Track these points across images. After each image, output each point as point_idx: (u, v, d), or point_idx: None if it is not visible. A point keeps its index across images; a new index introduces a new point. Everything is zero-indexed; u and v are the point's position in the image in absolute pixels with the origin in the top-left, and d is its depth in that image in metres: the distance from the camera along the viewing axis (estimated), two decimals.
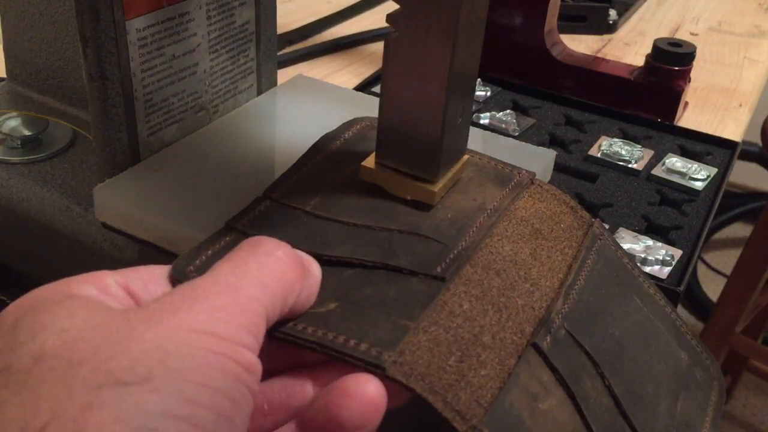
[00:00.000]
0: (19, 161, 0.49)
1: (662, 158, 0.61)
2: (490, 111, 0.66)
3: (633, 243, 0.50)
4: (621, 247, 0.37)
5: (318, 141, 0.39)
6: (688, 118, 0.74)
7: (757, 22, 1.00)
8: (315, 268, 0.29)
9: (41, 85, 0.55)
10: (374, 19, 0.92)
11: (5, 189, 0.48)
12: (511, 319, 0.29)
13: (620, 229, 0.52)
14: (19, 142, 0.50)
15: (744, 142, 0.72)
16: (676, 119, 0.71)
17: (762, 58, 0.89)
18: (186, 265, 0.29)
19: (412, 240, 0.32)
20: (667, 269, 0.49)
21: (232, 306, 0.23)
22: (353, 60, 0.82)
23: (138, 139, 0.42)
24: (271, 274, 0.25)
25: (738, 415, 1.62)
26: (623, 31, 0.94)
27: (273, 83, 0.52)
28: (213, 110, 0.47)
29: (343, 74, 0.78)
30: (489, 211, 0.35)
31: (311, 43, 0.84)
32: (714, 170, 0.60)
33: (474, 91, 0.36)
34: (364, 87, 0.71)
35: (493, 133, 0.49)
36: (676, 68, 0.69)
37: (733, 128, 0.73)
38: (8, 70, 0.57)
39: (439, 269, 0.31)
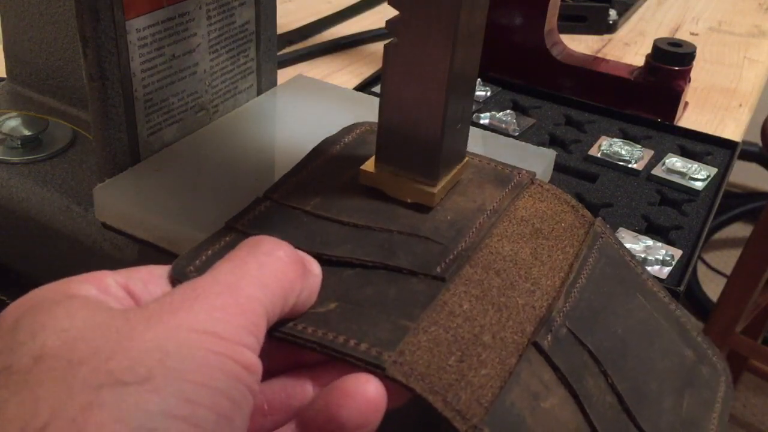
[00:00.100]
0: (19, 161, 0.49)
1: (662, 158, 0.61)
2: (490, 111, 0.66)
3: (633, 243, 0.50)
4: (623, 245, 0.37)
5: (318, 145, 0.39)
6: (688, 118, 0.74)
7: (757, 22, 1.00)
8: (315, 268, 0.29)
9: (41, 85, 0.55)
10: (374, 19, 0.92)
11: (5, 189, 0.48)
12: (512, 318, 0.29)
13: (620, 229, 0.52)
14: (19, 142, 0.50)
15: (744, 142, 0.72)
16: (676, 119, 0.71)
17: (762, 58, 0.89)
18: (186, 265, 0.29)
19: (412, 241, 0.32)
20: (667, 269, 0.49)
21: (232, 306, 0.23)
22: (353, 60, 0.82)
23: (138, 139, 0.42)
24: (271, 273, 0.25)
25: (738, 415, 1.62)
26: (623, 31, 0.94)
27: (273, 83, 0.52)
28: (213, 110, 0.47)
29: (343, 74, 0.78)
30: (489, 211, 0.35)
31: (311, 43, 0.84)
32: (714, 170, 0.60)
33: (474, 93, 0.36)
34: (364, 87, 0.71)
35: (493, 133, 0.49)
36: (676, 68, 0.69)
37: (733, 128, 0.73)
38: (8, 70, 0.57)
39: (438, 269, 0.31)
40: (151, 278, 0.26)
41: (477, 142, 0.45)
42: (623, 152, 0.61)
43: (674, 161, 0.60)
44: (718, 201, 0.57)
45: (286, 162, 0.37)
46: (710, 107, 0.77)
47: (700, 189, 0.58)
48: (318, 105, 0.50)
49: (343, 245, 0.32)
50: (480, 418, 0.25)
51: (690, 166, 0.60)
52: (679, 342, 0.34)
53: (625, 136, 0.65)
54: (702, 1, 1.05)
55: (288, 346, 0.27)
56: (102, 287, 0.24)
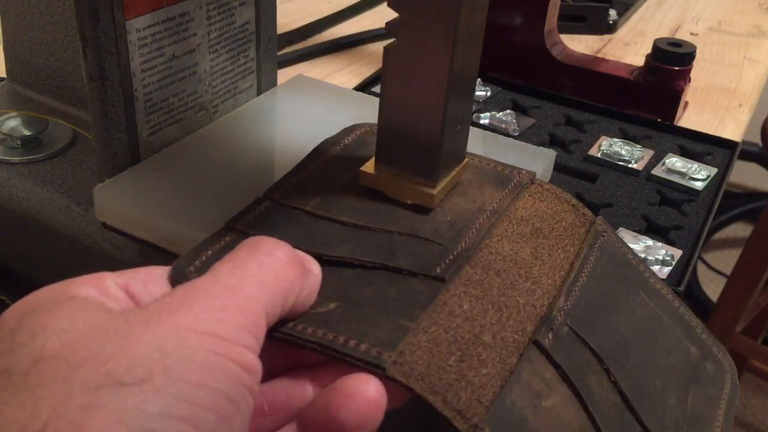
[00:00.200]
0: (19, 161, 0.49)
1: (662, 158, 0.61)
2: (490, 111, 0.66)
3: (633, 243, 0.50)
4: (625, 244, 0.37)
5: (318, 146, 0.39)
6: (688, 118, 0.74)
7: (757, 22, 1.00)
8: (315, 268, 0.29)
9: (41, 85, 0.55)
10: (374, 19, 0.92)
11: (5, 189, 0.48)
12: (512, 318, 0.29)
13: (620, 229, 0.52)
14: (19, 142, 0.50)
15: (744, 142, 0.72)
16: (676, 119, 0.71)
17: (762, 58, 0.89)
18: (186, 265, 0.29)
19: (412, 242, 0.32)
20: (667, 269, 0.49)
21: (232, 306, 0.23)
22: (353, 60, 0.82)
23: (138, 139, 0.42)
24: (270, 274, 0.25)
25: (738, 415, 1.62)
26: (623, 31, 0.94)
27: (273, 83, 0.52)
28: (213, 110, 0.47)
29: (343, 74, 0.78)
30: (489, 212, 0.35)
31: (311, 43, 0.84)
32: (714, 170, 0.60)
33: (473, 94, 0.36)
34: (364, 87, 0.71)
35: (493, 133, 0.49)
36: (676, 68, 0.69)
37: (733, 128, 0.73)
38: (8, 70, 0.57)
39: (438, 270, 0.31)
40: (151, 279, 0.26)
41: (477, 142, 0.45)
42: (623, 152, 0.61)
43: (674, 161, 0.60)
44: (718, 201, 0.57)
45: (286, 162, 0.37)
46: (710, 107, 0.77)
47: (700, 189, 0.58)
48: (318, 105, 0.50)
49: (343, 246, 0.32)
50: (480, 418, 0.25)
51: (690, 166, 0.60)
52: (684, 339, 0.34)
53: (625, 136, 0.65)
54: (702, 1, 1.05)
55: (288, 346, 0.27)
56: (102, 289, 0.24)
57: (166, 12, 0.41)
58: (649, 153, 0.62)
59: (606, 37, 0.92)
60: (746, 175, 2.02)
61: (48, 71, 0.54)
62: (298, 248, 0.31)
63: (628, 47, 0.89)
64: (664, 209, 0.56)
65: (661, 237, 0.52)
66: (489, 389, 0.26)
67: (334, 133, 0.40)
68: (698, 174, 0.59)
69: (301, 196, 0.35)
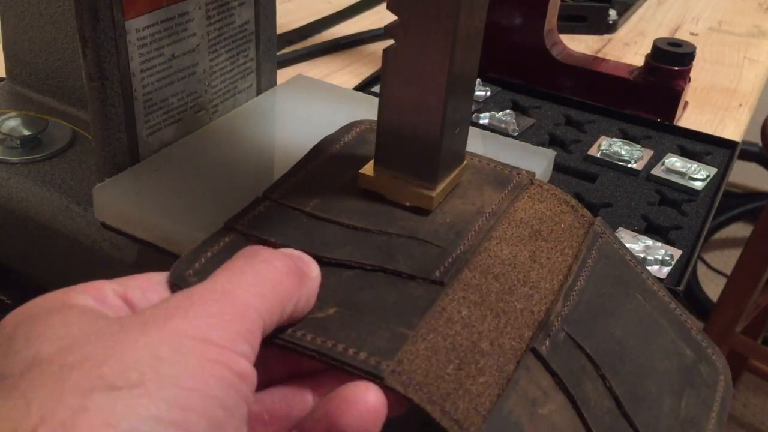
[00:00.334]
0: (19, 161, 0.49)
1: (662, 158, 0.61)
2: (489, 111, 0.66)
3: (632, 243, 0.50)
4: (623, 245, 0.37)
5: (318, 144, 0.39)
6: (688, 118, 0.74)
7: (757, 22, 1.00)
8: (314, 270, 0.29)
9: (41, 85, 0.55)
10: (374, 19, 0.92)
11: (5, 189, 0.48)
12: (510, 324, 0.29)
13: (620, 229, 0.52)
14: (18, 142, 0.50)
15: (744, 142, 0.72)
16: (675, 119, 0.71)
17: (762, 58, 0.89)
18: (185, 269, 0.29)
19: (411, 244, 0.32)
20: (667, 269, 0.49)
21: (228, 313, 0.23)
22: (353, 60, 0.82)
23: (137, 139, 0.42)
24: (268, 283, 0.25)
25: (738, 415, 1.62)
26: (623, 31, 0.94)
27: (272, 83, 0.52)
28: (212, 110, 0.47)
29: (342, 74, 0.78)
30: (488, 214, 0.35)
31: (311, 43, 0.84)
32: (714, 170, 0.60)
33: (473, 96, 0.36)
34: (363, 87, 0.71)
35: (493, 133, 0.49)
36: (676, 68, 0.69)
37: (732, 128, 0.73)
38: (8, 70, 0.57)
39: (437, 273, 0.30)
40: (149, 286, 0.26)
41: (476, 142, 0.45)
42: (623, 152, 0.61)
43: (674, 161, 0.60)
44: (718, 201, 0.57)
45: (285, 162, 0.37)
46: (710, 107, 0.77)
47: (700, 189, 0.58)
48: (318, 105, 0.50)
49: (342, 247, 0.32)
50: (477, 427, 0.25)
51: (690, 166, 0.60)
52: (679, 341, 0.34)
53: (625, 136, 0.65)
54: (702, 1, 1.05)
55: (287, 354, 0.27)
56: (99, 297, 0.24)
57: (166, 12, 0.41)
58: (648, 153, 0.62)
59: (606, 37, 0.92)
60: (746, 175, 2.02)
61: (48, 71, 0.54)
62: (297, 249, 0.31)
63: (628, 47, 0.89)
64: (664, 209, 0.56)
65: (661, 237, 0.52)
66: (486, 398, 0.26)
67: None
68: (698, 174, 0.59)
69: (300, 197, 0.35)
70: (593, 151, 0.62)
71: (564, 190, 0.38)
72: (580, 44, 0.88)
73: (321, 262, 0.30)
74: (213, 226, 0.32)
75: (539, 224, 0.35)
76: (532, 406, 0.27)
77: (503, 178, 0.37)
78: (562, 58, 0.74)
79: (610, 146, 0.62)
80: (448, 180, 0.35)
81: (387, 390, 0.25)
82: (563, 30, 0.83)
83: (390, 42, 0.32)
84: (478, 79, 0.71)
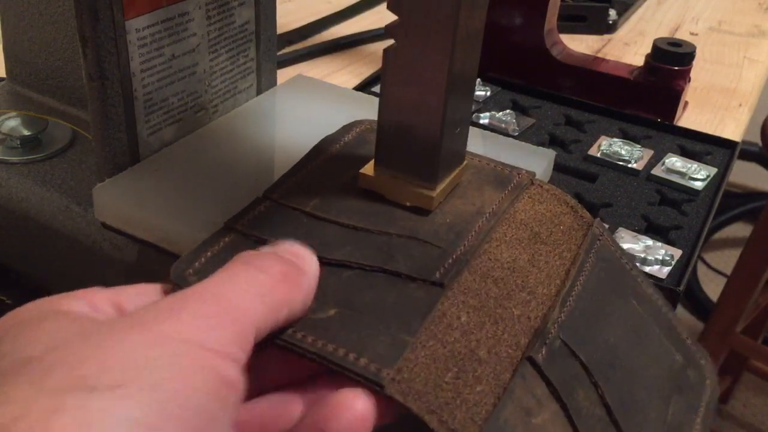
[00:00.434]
0: (19, 161, 0.49)
1: (662, 158, 0.61)
2: (489, 111, 0.66)
3: (633, 243, 0.50)
4: (620, 247, 0.37)
5: (318, 144, 0.39)
6: (688, 118, 0.74)
7: (757, 21, 1.00)
8: (312, 266, 0.28)
9: (41, 85, 0.55)
10: (374, 19, 0.92)
11: (5, 189, 0.48)
12: (507, 331, 0.29)
13: (620, 229, 0.52)
14: (18, 142, 0.50)
15: (744, 142, 0.72)
16: (675, 119, 0.71)
17: (762, 57, 0.89)
18: (185, 268, 0.29)
19: (411, 244, 0.32)
20: (667, 269, 0.49)
21: (220, 316, 0.23)
22: (353, 60, 0.82)
23: (138, 139, 0.42)
24: (263, 287, 0.25)
25: (738, 415, 1.62)
26: (623, 31, 0.94)
27: (273, 83, 0.52)
28: (213, 110, 0.47)
29: (342, 74, 0.78)
30: (488, 214, 0.35)
31: (311, 43, 0.84)
32: (714, 170, 0.60)
33: (473, 96, 0.36)
34: (363, 87, 0.71)
35: (493, 133, 0.49)
36: (676, 68, 0.69)
37: (732, 128, 0.73)
38: (8, 70, 0.57)
39: (438, 275, 0.30)
40: (144, 295, 0.26)
41: (477, 142, 0.45)
42: (623, 152, 0.61)
43: (674, 161, 0.60)
44: (718, 201, 0.57)
45: (285, 162, 0.37)
46: (710, 107, 0.77)
47: (700, 189, 0.58)
48: (318, 105, 0.50)
49: (342, 248, 0.32)
50: None
51: (690, 165, 0.60)
52: (669, 346, 0.34)
53: (625, 136, 0.65)
54: (702, 1, 1.05)
55: (279, 361, 0.27)
56: (92, 304, 0.24)
57: (166, 12, 0.41)
58: (648, 153, 0.62)
59: (606, 37, 0.92)
60: (746, 175, 2.02)
61: (48, 71, 0.54)
62: None
63: (627, 47, 0.89)
64: (664, 209, 0.56)
65: (661, 237, 0.52)
66: (483, 407, 0.26)
67: None
68: (698, 174, 0.59)
69: (300, 197, 0.35)
70: (593, 151, 0.62)
71: (564, 190, 0.38)
72: (580, 44, 0.88)
73: (321, 262, 0.30)
74: (213, 226, 0.32)
75: (539, 226, 0.35)
76: (526, 416, 0.27)
77: (503, 178, 0.37)
78: (562, 58, 0.74)
79: (610, 146, 0.62)
80: (448, 180, 0.35)
81: (386, 398, 0.25)
82: (563, 30, 0.83)
83: (390, 42, 0.32)
84: (478, 79, 0.71)
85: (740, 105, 0.78)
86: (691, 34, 0.94)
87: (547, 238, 0.35)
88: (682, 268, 0.49)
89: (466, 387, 0.27)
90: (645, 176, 0.60)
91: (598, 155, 0.61)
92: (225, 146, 0.45)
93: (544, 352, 0.29)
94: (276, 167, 0.43)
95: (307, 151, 0.38)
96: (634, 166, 0.60)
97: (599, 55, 0.86)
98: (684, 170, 0.59)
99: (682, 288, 0.47)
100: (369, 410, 0.25)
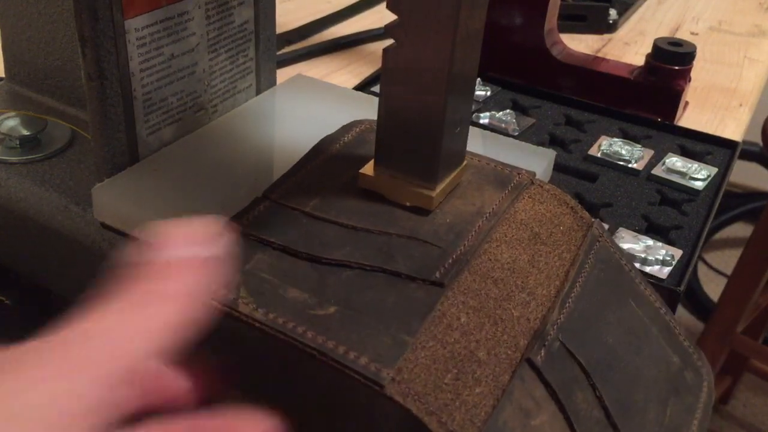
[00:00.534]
0: (18, 161, 0.49)
1: (662, 158, 0.61)
2: (489, 111, 0.66)
3: (633, 243, 0.50)
4: (620, 248, 0.37)
5: (317, 144, 0.39)
6: (688, 118, 0.73)
7: (757, 21, 1.00)
8: (222, 243, 0.25)
9: (40, 85, 0.55)
10: (374, 18, 0.92)
11: (3, 189, 0.48)
12: (507, 332, 0.29)
13: (620, 229, 0.52)
14: (17, 142, 0.50)
15: (744, 142, 0.71)
16: (676, 119, 0.71)
17: (762, 57, 0.89)
18: None
19: (411, 244, 0.32)
20: (667, 269, 0.49)
21: (94, 357, 0.20)
22: (352, 60, 0.81)
23: (137, 139, 0.42)
24: (153, 314, 0.22)
25: (738, 415, 1.62)
26: (623, 31, 0.94)
27: (272, 83, 0.52)
28: (212, 110, 0.47)
29: (342, 74, 0.78)
30: (488, 214, 0.34)
31: (310, 42, 0.84)
32: (714, 170, 0.60)
33: (473, 96, 0.36)
34: (363, 87, 0.71)
35: (493, 133, 0.49)
36: (676, 68, 0.69)
37: (733, 128, 0.73)
38: (7, 70, 0.57)
39: (437, 274, 0.30)
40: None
41: (477, 142, 0.45)
42: (623, 152, 0.61)
43: (674, 161, 0.60)
44: (718, 201, 0.57)
45: (285, 162, 0.37)
46: (710, 107, 0.77)
47: (700, 189, 0.58)
48: (317, 105, 0.50)
49: (341, 248, 0.31)
50: None
51: (690, 165, 0.60)
52: (667, 348, 0.35)
53: (625, 136, 0.65)
54: (702, 1, 1.05)
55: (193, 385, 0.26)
56: None
57: (165, 12, 0.41)
58: (649, 153, 0.62)
59: (606, 36, 0.92)
60: (746, 175, 2.02)
61: (47, 71, 0.54)
62: (297, 249, 0.31)
63: (628, 47, 0.89)
64: (664, 209, 0.56)
65: (662, 237, 0.52)
66: (482, 408, 0.26)
67: None
68: (698, 174, 0.59)
69: (300, 197, 0.35)
70: (593, 151, 0.62)
71: (564, 190, 0.38)
72: (580, 44, 0.88)
73: (321, 262, 0.30)
74: None
75: (539, 226, 0.35)
76: (525, 418, 0.27)
77: (503, 178, 0.37)
78: (562, 57, 0.74)
79: (610, 146, 0.62)
80: (448, 180, 0.35)
81: (386, 398, 0.25)
82: (563, 29, 0.82)
83: (390, 41, 0.32)
84: (478, 79, 0.71)
85: (741, 105, 0.77)
86: (692, 33, 0.94)
87: (547, 239, 0.35)
88: (682, 268, 0.49)
89: (466, 388, 0.27)
90: (645, 176, 0.59)
91: (599, 155, 0.61)
92: (224, 146, 0.45)
93: (543, 353, 0.29)
94: (275, 167, 0.43)
95: (306, 151, 0.38)
96: (635, 166, 0.60)
97: (599, 54, 0.86)
98: (684, 170, 0.59)
99: (682, 288, 0.47)
100: None
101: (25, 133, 0.51)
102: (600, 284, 0.34)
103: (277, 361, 0.29)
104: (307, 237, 0.32)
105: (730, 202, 1.95)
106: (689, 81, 0.71)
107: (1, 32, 0.56)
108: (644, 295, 0.36)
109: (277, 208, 0.34)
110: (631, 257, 0.49)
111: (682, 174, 0.59)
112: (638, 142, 0.63)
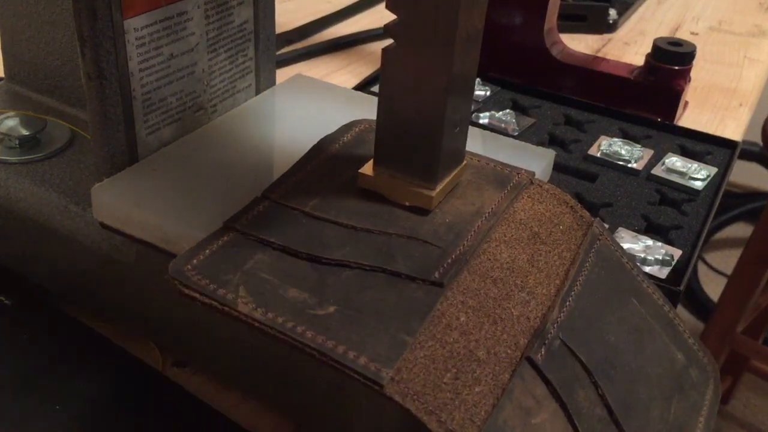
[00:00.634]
0: (17, 161, 0.49)
1: (662, 158, 0.61)
2: (489, 110, 0.66)
3: (633, 243, 0.50)
4: (621, 247, 0.37)
5: (317, 144, 0.39)
6: (688, 118, 0.73)
7: (757, 21, 1.00)
8: None
9: (39, 85, 0.55)
10: (374, 18, 0.92)
11: (3, 189, 0.48)
12: (506, 331, 0.29)
13: (620, 228, 0.52)
14: (17, 142, 0.50)
15: (744, 142, 0.71)
16: (676, 119, 0.71)
17: (762, 57, 0.89)
18: (184, 264, 0.29)
19: (411, 244, 0.32)
20: (667, 269, 0.48)
21: None
22: (352, 60, 0.81)
23: (136, 139, 0.42)
24: None
25: (738, 415, 1.62)
26: (623, 31, 0.94)
27: (272, 83, 0.52)
28: (211, 110, 0.47)
29: (342, 74, 0.78)
30: (487, 214, 0.35)
31: (310, 42, 0.84)
32: (714, 170, 0.60)
33: (472, 96, 0.36)
34: (363, 87, 0.71)
35: (493, 133, 0.49)
36: (676, 68, 0.69)
37: (733, 128, 0.73)
38: (6, 70, 0.57)
39: (437, 274, 0.30)
40: None
41: (476, 142, 0.45)
42: (623, 152, 0.61)
43: (674, 161, 0.60)
44: (718, 201, 0.57)
45: (284, 161, 0.37)
46: (710, 107, 0.77)
47: (700, 189, 0.58)
48: (317, 104, 0.50)
49: (341, 248, 0.31)
50: None
51: (690, 165, 0.60)
52: (671, 345, 0.34)
53: (625, 136, 0.65)
54: (702, 1, 1.05)
55: None
56: None
57: (164, 11, 0.41)
58: (649, 153, 0.62)
59: (606, 36, 0.92)
60: (746, 175, 2.02)
61: (46, 71, 0.54)
62: (297, 249, 0.31)
63: (628, 47, 0.89)
64: (664, 209, 0.56)
65: (661, 237, 0.52)
66: (482, 408, 0.26)
67: None
68: (698, 174, 0.59)
69: (300, 197, 0.35)
70: (593, 151, 0.62)
71: (564, 189, 0.38)
72: (580, 44, 0.88)
73: (320, 261, 0.30)
74: (212, 226, 0.32)
75: (538, 226, 0.35)
76: (526, 416, 0.27)
77: (503, 177, 0.37)
78: (562, 57, 0.74)
79: (610, 146, 0.62)
80: (447, 180, 0.35)
81: (386, 398, 0.25)
82: (563, 29, 0.82)
83: (389, 41, 0.32)
84: (478, 79, 0.71)
85: (740, 105, 0.77)
86: (692, 33, 0.94)
87: (547, 238, 0.35)
88: (682, 268, 0.49)
89: (465, 388, 0.27)
90: (645, 176, 0.59)
91: (598, 155, 0.61)
92: (224, 146, 0.45)
93: (543, 352, 0.29)
94: (275, 167, 0.43)
95: (306, 150, 0.38)
96: (634, 165, 0.60)
97: (599, 54, 0.86)
98: (684, 170, 0.59)
99: (682, 288, 0.47)
100: None
101: (25, 133, 0.51)
102: (601, 282, 0.34)
103: (276, 361, 0.29)
104: (306, 237, 0.32)
105: (730, 202, 1.95)
106: (689, 81, 0.71)
107: (1, 32, 0.56)
108: (647, 293, 0.36)
109: (276, 208, 0.34)
110: (630, 257, 0.49)
111: (682, 174, 0.59)
112: (638, 142, 0.63)
